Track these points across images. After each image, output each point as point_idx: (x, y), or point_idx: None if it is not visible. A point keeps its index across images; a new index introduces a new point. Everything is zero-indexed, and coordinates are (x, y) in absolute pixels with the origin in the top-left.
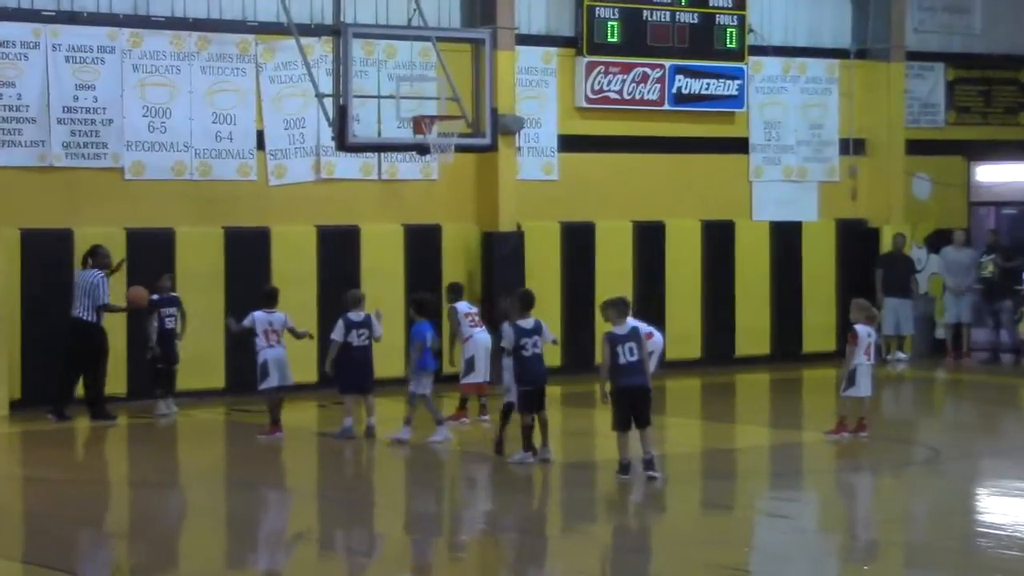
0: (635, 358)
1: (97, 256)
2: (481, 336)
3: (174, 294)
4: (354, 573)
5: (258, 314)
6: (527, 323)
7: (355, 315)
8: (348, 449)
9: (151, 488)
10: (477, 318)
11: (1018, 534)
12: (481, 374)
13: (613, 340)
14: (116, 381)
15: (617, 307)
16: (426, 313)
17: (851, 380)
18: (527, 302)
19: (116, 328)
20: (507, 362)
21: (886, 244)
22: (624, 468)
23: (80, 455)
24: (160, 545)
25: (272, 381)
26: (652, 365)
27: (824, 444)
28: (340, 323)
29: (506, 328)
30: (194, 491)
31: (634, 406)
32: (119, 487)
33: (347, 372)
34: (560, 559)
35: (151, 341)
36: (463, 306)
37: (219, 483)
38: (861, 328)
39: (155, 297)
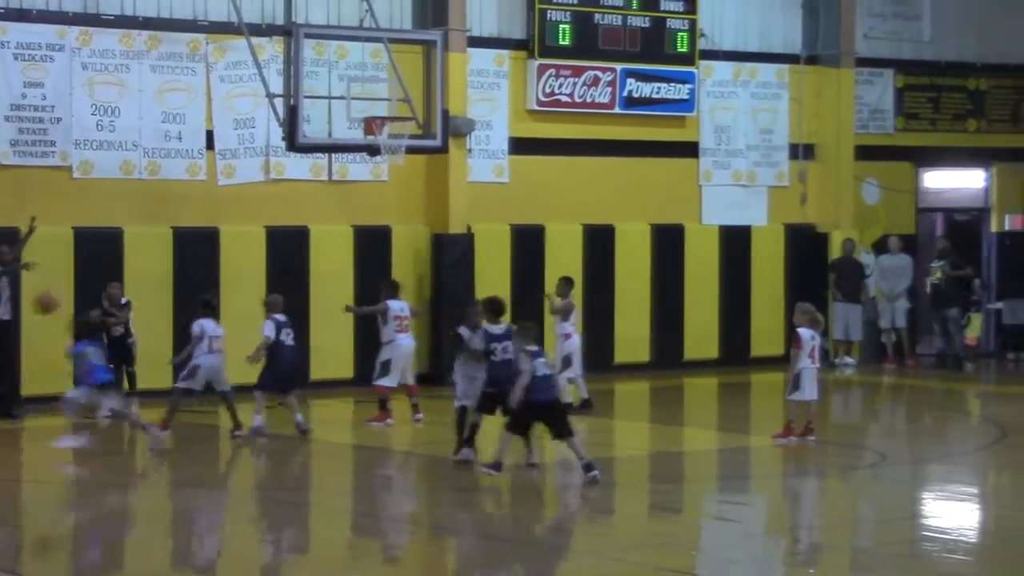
0: (549, 372)
1: None
2: (405, 342)
3: (124, 300)
4: (270, 571)
5: (208, 324)
6: (498, 329)
7: (280, 316)
8: (264, 447)
9: (77, 487)
10: (406, 323)
11: (963, 538)
12: (394, 379)
13: (531, 355)
14: (62, 382)
15: (530, 332)
16: (82, 334)
17: (796, 384)
18: (497, 308)
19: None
20: (458, 368)
21: (835, 249)
22: (495, 466)
23: (9, 455)
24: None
25: (195, 384)
26: (576, 367)
27: (771, 448)
28: (271, 322)
29: (473, 334)
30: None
31: (548, 419)
32: (41, 487)
33: (270, 370)
34: (505, 563)
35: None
36: (396, 306)
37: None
38: (804, 332)
39: (101, 310)
